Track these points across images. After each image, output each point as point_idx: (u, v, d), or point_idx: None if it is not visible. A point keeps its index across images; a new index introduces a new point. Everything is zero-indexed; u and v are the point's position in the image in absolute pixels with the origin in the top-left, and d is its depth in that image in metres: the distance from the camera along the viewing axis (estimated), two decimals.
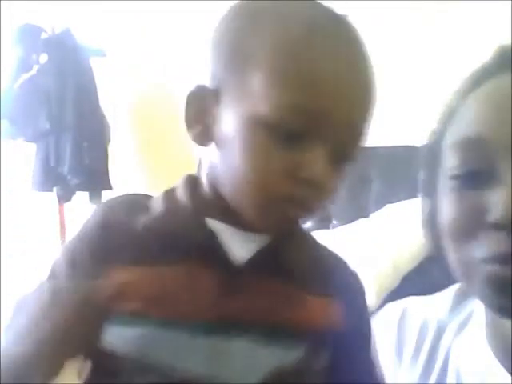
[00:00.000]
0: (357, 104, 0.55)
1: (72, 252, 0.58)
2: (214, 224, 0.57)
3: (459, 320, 0.70)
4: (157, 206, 0.59)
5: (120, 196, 0.62)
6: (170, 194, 0.60)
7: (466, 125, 0.62)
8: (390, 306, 0.77)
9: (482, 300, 0.60)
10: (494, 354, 0.63)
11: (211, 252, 0.56)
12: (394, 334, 0.73)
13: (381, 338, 0.72)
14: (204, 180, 0.58)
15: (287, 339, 0.55)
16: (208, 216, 0.57)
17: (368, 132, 0.58)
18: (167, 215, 0.58)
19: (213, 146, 0.56)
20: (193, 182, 0.59)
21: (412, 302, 0.76)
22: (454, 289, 0.73)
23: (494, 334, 0.64)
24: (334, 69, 0.53)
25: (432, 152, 0.66)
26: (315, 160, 0.52)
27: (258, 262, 0.56)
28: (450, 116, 0.66)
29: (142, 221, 0.57)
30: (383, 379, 0.63)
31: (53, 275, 0.59)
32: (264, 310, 0.55)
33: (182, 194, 0.59)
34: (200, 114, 0.56)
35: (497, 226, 0.54)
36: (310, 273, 0.58)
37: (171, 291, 0.55)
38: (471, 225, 0.57)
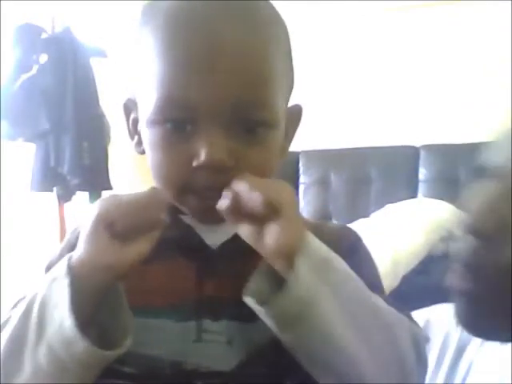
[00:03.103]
0: (231, 77, 0.52)
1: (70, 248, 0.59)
2: (187, 219, 0.59)
3: None
4: None
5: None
6: None
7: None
8: (413, 314, 0.77)
9: None
10: None
11: (188, 241, 0.58)
12: None
13: None
14: None
15: None
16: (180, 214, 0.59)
17: (273, 88, 0.55)
18: None
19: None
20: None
21: (436, 312, 0.76)
22: None
23: None
24: (189, 54, 0.52)
25: None
26: (208, 145, 0.52)
27: (233, 245, 0.57)
28: None
29: None
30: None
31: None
32: (242, 288, 0.55)
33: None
34: (134, 124, 0.61)
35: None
36: None
37: (153, 282, 0.56)
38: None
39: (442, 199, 2.57)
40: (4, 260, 2.50)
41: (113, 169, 2.70)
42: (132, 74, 0.59)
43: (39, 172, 2.53)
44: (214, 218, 0.53)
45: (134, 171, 3.01)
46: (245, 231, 0.52)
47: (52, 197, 2.63)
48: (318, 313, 0.50)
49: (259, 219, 0.51)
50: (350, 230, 0.67)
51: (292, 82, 0.61)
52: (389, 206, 2.61)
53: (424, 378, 0.58)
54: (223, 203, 0.52)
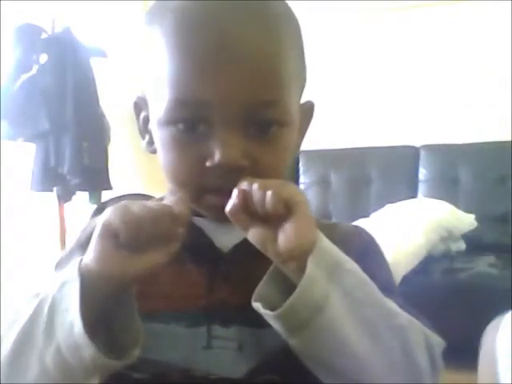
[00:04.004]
0: (244, 76, 0.52)
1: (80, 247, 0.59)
2: (200, 221, 0.58)
3: None
4: None
5: (119, 196, 0.63)
6: (159, 200, 0.62)
7: None
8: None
9: None
10: None
11: (198, 245, 0.57)
12: None
13: (502, 343, 0.69)
14: None
15: None
16: (194, 215, 0.58)
17: (287, 86, 0.54)
18: None
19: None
20: None
21: None
22: None
23: None
24: (202, 54, 0.51)
25: None
26: (223, 145, 0.52)
27: (243, 248, 0.55)
28: None
29: None
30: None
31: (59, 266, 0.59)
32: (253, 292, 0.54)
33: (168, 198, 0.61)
34: (144, 123, 0.60)
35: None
36: None
37: (162, 287, 0.55)
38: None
39: (441, 199, 2.57)
40: (4, 260, 2.49)
41: (113, 169, 2.70)
42: (141, 72, 0.58)
43: (39, 172, 2.53)
44: (225, 218, 0.52)
45: (134, 171, 3.01)
46: (254, 234, 0.51)
47: (52, 197, 2.63)
48: (329, 316, 0.49)
49: (268, 221, 0.50)
50: (362, 230, 0.66)
51: (304, 78, 0.60)
52: (389, 206, 2.61)
53: (437, 382, 0.57)
54: (230, 203, 0.50)
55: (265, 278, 0.52)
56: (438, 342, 0.56)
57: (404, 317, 0.53)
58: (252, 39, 0.52)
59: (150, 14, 0.58)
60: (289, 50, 0.55)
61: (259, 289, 0.52)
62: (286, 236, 0.49)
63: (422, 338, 0.54)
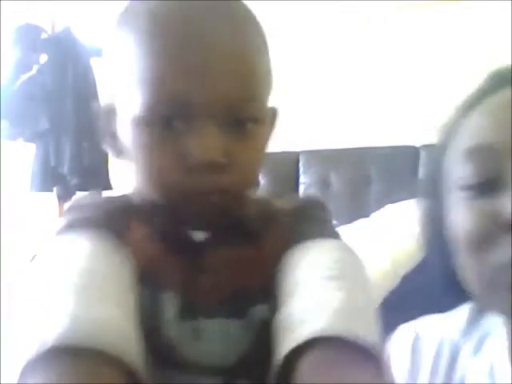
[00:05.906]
0: (225, 75, 0.51)
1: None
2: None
3: (474, 340, 0.68)
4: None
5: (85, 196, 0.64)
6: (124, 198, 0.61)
7: (471, 136, 0.63)
8: (402, 328, 0.76)
9: (505, 311, 0.59)
10: None
11: (175, 237, 0.56)
12: (409, 357, 0.72)
13: (394, 361, 0.71)
14: None
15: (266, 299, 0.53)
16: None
17: (262, 83, 0.55)
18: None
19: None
20: None
21: (425, 324, 0.75)
22: (466, 308, 0.71)
23: None
24: (178, 51, 0.51)
25: (435, 165, 0.67)
26: (201, 141, 0.51)
27: (216, 239, 0.55)
28: (452, 130, 0.66)
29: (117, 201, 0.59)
30: None
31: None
32: (228, 282, 0.54)
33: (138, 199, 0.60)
34: (107, 128, 0.60)
35: (509, 227, 0.54)
36: (271, 225, 0.57)
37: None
38: (488, 232, 0.57)
39: None
40: (4, 260, 2.49)
41: (113, 169, 2.70)
42: (111, 74, 0.59)
43: (39, 172, 2.53)
44: (212, 221, 0.53)
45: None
46: None
47: (52, 197, 2.63)
48: None
49: None
50: None
51: (272, 80, 0.59)
52: (389, 206, 2.60)
53: None
54: None
55: None
56: None
57: None
58: (230, 38, 0.52)
59: (121, 17, 0.58)
60: (262, 49, 0.56)
61: None
62: None
63: None
